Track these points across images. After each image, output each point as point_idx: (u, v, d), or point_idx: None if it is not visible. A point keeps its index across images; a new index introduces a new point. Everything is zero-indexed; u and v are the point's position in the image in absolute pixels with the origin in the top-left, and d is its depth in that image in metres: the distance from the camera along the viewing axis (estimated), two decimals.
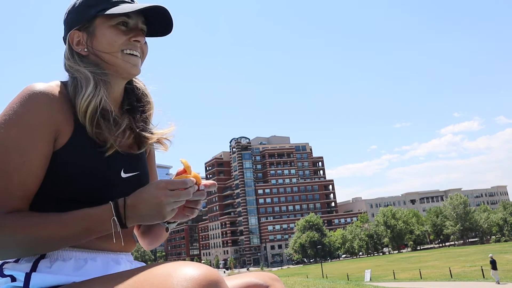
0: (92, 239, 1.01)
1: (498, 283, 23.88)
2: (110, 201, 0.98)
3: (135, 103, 1.24)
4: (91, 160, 1.03)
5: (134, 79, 1.25)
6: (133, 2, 1.13)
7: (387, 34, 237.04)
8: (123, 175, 1.10)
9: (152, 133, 1.23)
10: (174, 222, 1.17)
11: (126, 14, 1.10)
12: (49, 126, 0.99)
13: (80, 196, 1.02)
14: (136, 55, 1.13)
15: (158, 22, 1.17)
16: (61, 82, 1.10)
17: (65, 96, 1.05)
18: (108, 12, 1.08)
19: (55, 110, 1.00)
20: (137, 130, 1.19)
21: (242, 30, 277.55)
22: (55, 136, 1.00)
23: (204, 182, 1.08)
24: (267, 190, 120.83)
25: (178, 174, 1.07)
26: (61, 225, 0.93)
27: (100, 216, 0.95)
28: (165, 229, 1.21)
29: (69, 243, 0.97)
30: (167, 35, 1.22)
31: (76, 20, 1.13)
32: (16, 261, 0.99)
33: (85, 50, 1.12)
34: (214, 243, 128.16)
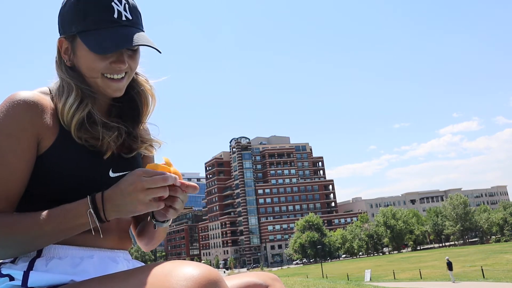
0: (87, 236, 1.01)
1: (454, 282, 26.34)
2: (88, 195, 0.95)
3: (125, 106, 1.20)
4: (77, 161, 1.03)
5: (134, 76, 1.20)
6: (118, 23, 1.05)
7: (386, 34, 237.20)
8: (111, 174, 1.10)
9: (141, 140, 1.19)
10: (164, 221, 1.12)
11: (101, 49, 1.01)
12: (28, 131, 0.99)
13: (69, 197, 1.00)
14: (118, 79, 1.07)
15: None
16: (49, 87, 1.11)
17: (49, 102, 1.06)
18: (84, 38, 1.03)
19: (36, 116, 1.01)
20: (125, 136, 1.16)
21: (242, 30, 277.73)
22: (37, 140, 1.01)
23: (186, 182, 1.02)
24: (267, 190, 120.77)
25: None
26: (38, 222, 0.93)
27: (76, 210, 0.94)
28: (153, 226, 1.16)
29: (49, 240, 0.96)
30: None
31: (62, 28, 1.10)
32: (12, 261, 1.00)
33: (70, 62, 1.10)
34: (214, 243, 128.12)
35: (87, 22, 1.03)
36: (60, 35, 1.10)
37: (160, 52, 1.09)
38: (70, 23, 1.06)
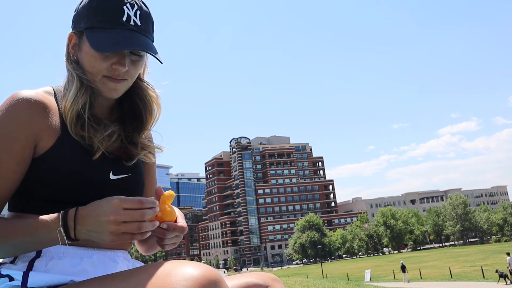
0: None
1: (408, 282, 29.73)
2: (61, 211, 0.94)
3: (127, 111, 1.21)
4: (76, 163, 1.03)
5: (140, 83, 1.21)
6: (124, 26, 1.05)
7: (385, 35, 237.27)
8: (111, 177, 1.09)
9: (141, 147, 1.19)
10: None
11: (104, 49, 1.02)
12: (27, 132, 0.99)
13: (69, 197, 1.01)
14: (117, 79, 1.07)
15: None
16: (53, 87, 1.13)
17: (51, 101, 1.07)
18: (88, 34, 1.04)
19: (36, 116, 1.01)
20: (126, 142, 1.16)
21: (242, 30, 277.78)
22: (35, 141, 1.01)
23: (180, 223, 1.02)
24: (267, 190, 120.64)
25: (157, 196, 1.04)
26: (12, 232, 0.93)
27: (48, 226, 0.92)
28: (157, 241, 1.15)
29: (23, 250, 0.96)
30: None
31: (73, 23, 1.12)
32: (12, 261, 1.00)
33: (75, 57, 1.12)
34: (214, 243, 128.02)
35: (95, 20, 1.05)
36: (71, 29, 1.12)
37: (161, 63, 1.08)
38: (80, 18, 1.08)
